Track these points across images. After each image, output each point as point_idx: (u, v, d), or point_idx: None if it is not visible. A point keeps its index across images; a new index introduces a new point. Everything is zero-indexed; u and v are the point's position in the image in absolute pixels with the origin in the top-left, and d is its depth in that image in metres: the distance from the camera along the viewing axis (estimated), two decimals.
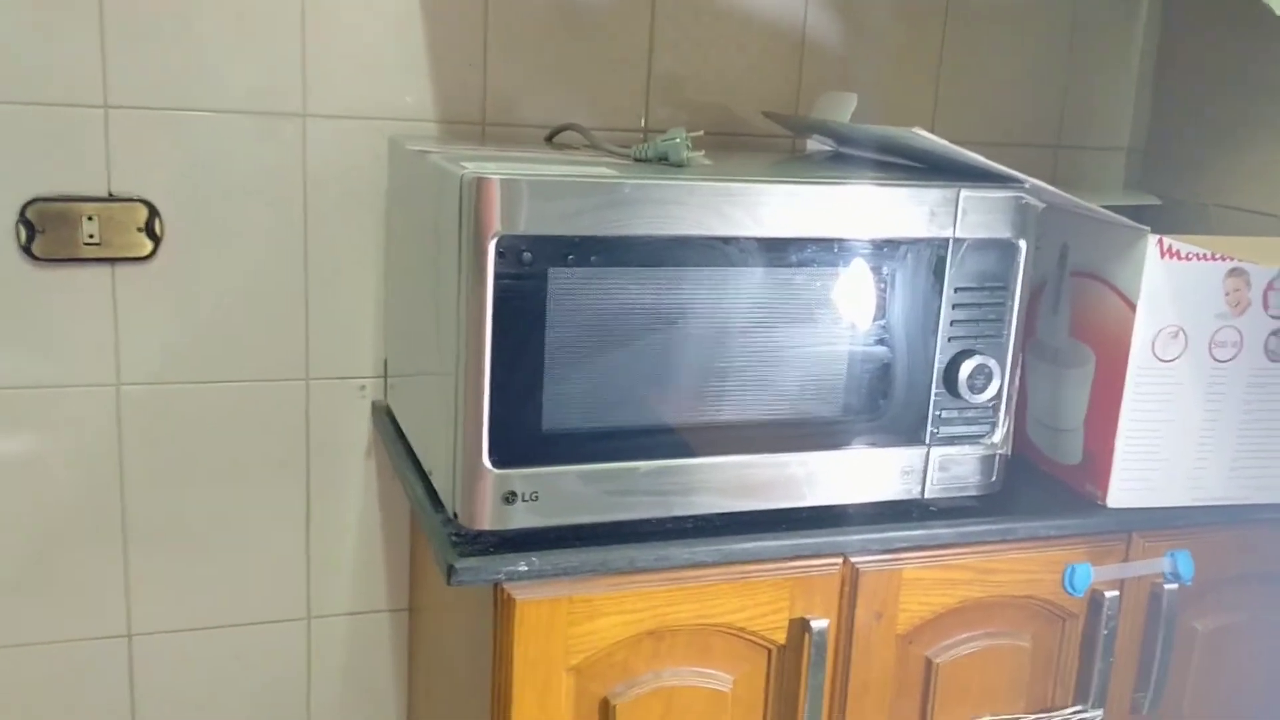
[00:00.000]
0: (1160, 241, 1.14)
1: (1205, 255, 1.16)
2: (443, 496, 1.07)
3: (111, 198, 1.24)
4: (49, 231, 1.22)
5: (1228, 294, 1.18)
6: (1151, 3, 1.61)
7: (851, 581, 1.11)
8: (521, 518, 1.02)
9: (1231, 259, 1.16)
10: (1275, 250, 1.18)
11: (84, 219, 1.23)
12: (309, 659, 1.42)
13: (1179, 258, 1.15)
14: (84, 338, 1.26)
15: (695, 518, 1.08)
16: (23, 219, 1.22)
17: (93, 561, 1.31)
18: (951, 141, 1.10)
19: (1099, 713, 1.22)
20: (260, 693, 1.41)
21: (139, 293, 1.27)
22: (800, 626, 1.09)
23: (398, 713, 1.48)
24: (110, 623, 1.34)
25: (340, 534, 1.40)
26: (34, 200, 1.21)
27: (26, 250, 1.22)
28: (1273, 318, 1.20)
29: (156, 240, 1.26)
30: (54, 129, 1.21)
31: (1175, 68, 1.58)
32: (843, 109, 1.33)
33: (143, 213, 1.25)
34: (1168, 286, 1.16)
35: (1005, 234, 1.12)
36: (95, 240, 1.24)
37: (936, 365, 1.13)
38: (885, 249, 1.09)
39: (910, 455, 1.14)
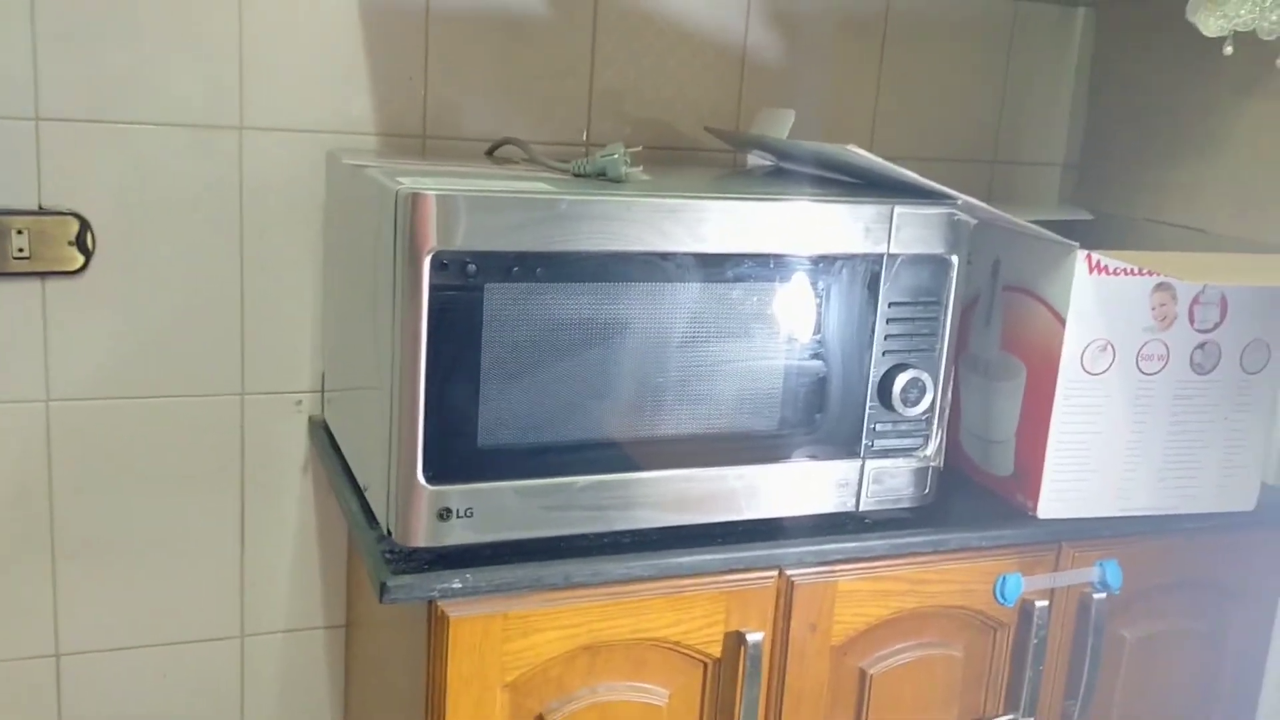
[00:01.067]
0: (1089, 257, 1.17)
1: (1133, 270, 1.18)
2: (377, 513, 1.06)
3: (42, 210, 1.22)
4: None
5: (1154, 308, 1.21)
6: (1086, 22, 1.64)
7: (786, 594, 1.11)
8: (457, 534, 1.02)
9: (1158, 274, 1.19)
10: (1200, 266, 1.21)
11: (13, 232, 1.21)
12: (243, 677, 1.40)
13: (1107, 273, 1.18)
14: (13, 353, 1.24)
15: (632, 532, 1.09)
16: None
17: (20, 580, 1.29)
18: (889, 157, 1.11)
19: None
20: (193, 712, 1.39)
21: (70, 307, 1.25)
22: (736, 640, 1.10)
23: None
24: (37, 642, 1.31)
25: (276, 550, 1.39)
26: None
27: None
28: (1198, 331, 1.23)
29: (88, 254, 1.25)
30: None
31: (1109, 85, 1.61)
32: (781, 125, 1.34)
33: (74, 226, 1.23)
34: (1096, 301, 1.18)
35: (938, 249, 1.13)
36: (25, 254, 1.22)
37: (871, 379, 1.14)
38: (821, 264, 1.10)
39: (845, 468, 1.15)
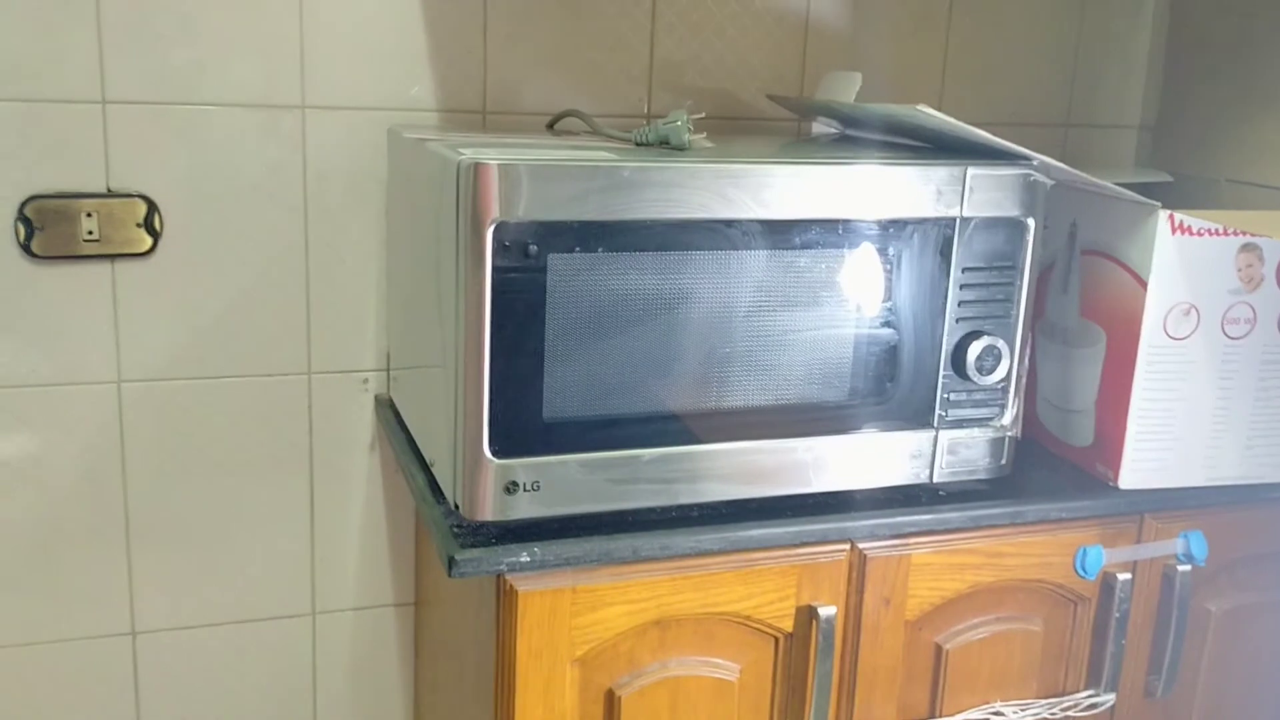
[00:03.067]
0: (1171, 217, 1.12)
1: (1217, 230, 1.14)
2: (444, 488, 1.06)
3: (110, 193, 1.24)
4: (48, 228, 1.22)
5: (1240, 269, 1.16)
6: None
7: (859, 568, 1.09)
8: (524, 508, 1.01)
9: (1244, 234, 1.14)
10: None
11: (83, 215, 1.23)
12: (314, 654, 1.41)
13: (1190, 233, 1.13)
14: (85, 335, 1.26)
15: (700, 505, 1.07)
16: (21, 216, 1.21)
17: (96, 559, 1.31)
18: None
19: (1111, 696, 1.21)
20: (266, 689, 1.40)
21: (139, 289, 1.26)
22: (808, 614, 1.08)
23: (404, 707, 1.47)
24: (114, 621, 1.33)
25: (345, 528, 1.39)
26: (32, 197, 1.21)
27: (25, 248, 1.22)
28: None
29: (156, 236, 1.26)
30: (52, 125, 1.20)
31: (1186, 43, 1.55)
32: (847, 89, 1.31)
33: (142, 208, 1.24)
34: (1179, 263, 1.14)
35: (1013, 212, 1.10)
36: (94, 237, 1.23)
37: (944, 347, 1.11)
38: (891, 229, 1.07)
39: (918, 439, 1.12)
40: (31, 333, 1.24)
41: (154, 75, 1.22)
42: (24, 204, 1.21)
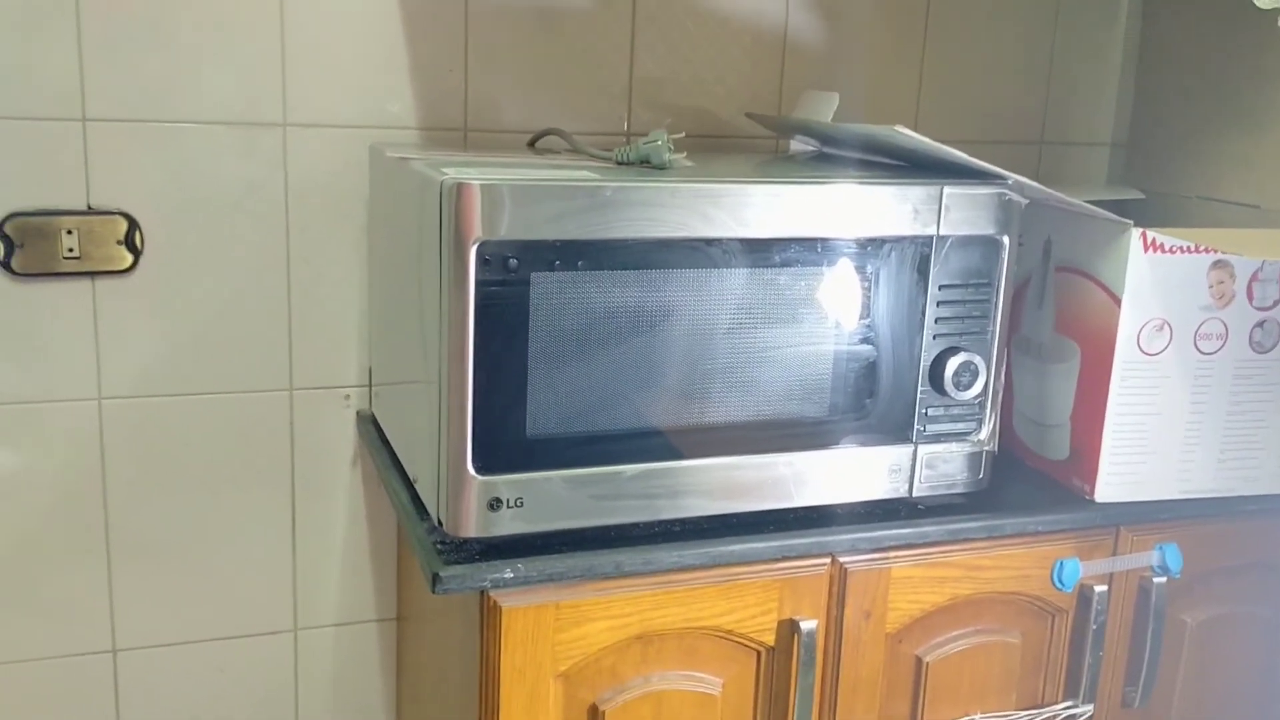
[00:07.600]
0: (1144, 235, 1.14)
1: (1189, 248, 1.16)
2: (428, 504, 1.06)
3: (90, 211, 1.24)
4: (28, 246, 1.22)
5: (1212, 286, 1.18)
6: None
7: (840, 581, 1.10)
8: (507, 524, 1.01)
9: (1215, 251, 1.16)
10: (1259, 241, 1.18)
11: (63, 233, 1.22)
12: (296, 671, 1.41)
13: (1163, 251, 1.15)
14: (65, 352, 1.25)
15: (682, 521, 1.08)
16: (1, 233, 1.21)
17: (77, 577, 1.31)
18: (935, 139, 1.09)
19: (1089, 708, 1.22)
20: (248, 706, 1.40)
21: (120, 306, 1.26)
22: (789, 628, 1.09)
23: None
24: (95, 638, 1.33)
25: (327, 544, 1.39)
26: (12, 215, 1.21)
27: (5, 265, 1.21)
28: (1257, 309, 1.20)
29: (136, 253, 1.26)
30: (32, 142, 1.20)
31: (1157, 62, 1.58)
32: (825, 108, 1.32)
33: (122, 225, 1.24)
34: (1152, 280, 1.16)
35: (989, 230, 1.12)
36: (75, 254, 1.23)
37: (922, 363, 1.13)
38: (869, 247, 1.09)
39: (897, 454, 1.13)
40: (11, 350, 1.24)
41: (135, 93, 1.23)
42: (4, 221, 1.20)
